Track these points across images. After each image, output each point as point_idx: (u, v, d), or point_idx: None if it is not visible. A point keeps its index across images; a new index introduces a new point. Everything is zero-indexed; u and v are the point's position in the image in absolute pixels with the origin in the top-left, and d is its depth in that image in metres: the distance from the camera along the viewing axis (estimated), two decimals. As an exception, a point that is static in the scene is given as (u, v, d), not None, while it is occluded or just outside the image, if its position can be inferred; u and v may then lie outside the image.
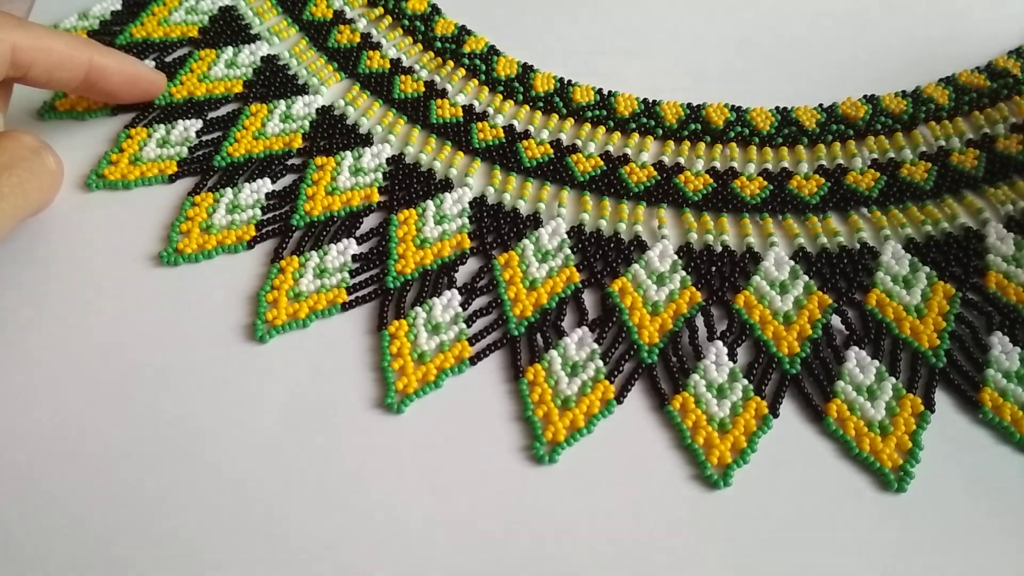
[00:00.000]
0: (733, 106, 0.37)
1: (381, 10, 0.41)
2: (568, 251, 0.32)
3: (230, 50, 0.39)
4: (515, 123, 0.36)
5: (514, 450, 0.27)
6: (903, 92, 0.37)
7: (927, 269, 0.31)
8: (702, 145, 0.36)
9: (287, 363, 0.29)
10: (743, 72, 0.39)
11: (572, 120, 0.37)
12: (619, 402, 0.28)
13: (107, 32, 0.39)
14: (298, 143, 0.35)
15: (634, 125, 0.36)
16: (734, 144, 0.36)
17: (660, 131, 0.36)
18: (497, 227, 0.33)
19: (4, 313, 0.30)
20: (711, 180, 0.34)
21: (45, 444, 0.27)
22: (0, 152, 0.29)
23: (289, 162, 0.35)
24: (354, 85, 0.38)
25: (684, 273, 0.31)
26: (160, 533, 0.25)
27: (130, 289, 0.31)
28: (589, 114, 0.37)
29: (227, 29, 0.40)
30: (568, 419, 0.28)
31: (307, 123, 0.36)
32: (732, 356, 0.29)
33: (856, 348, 0.29)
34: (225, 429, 0.28)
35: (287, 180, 0.35)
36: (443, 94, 0.38)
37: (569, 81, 0.38)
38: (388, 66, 0.39)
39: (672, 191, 0.34)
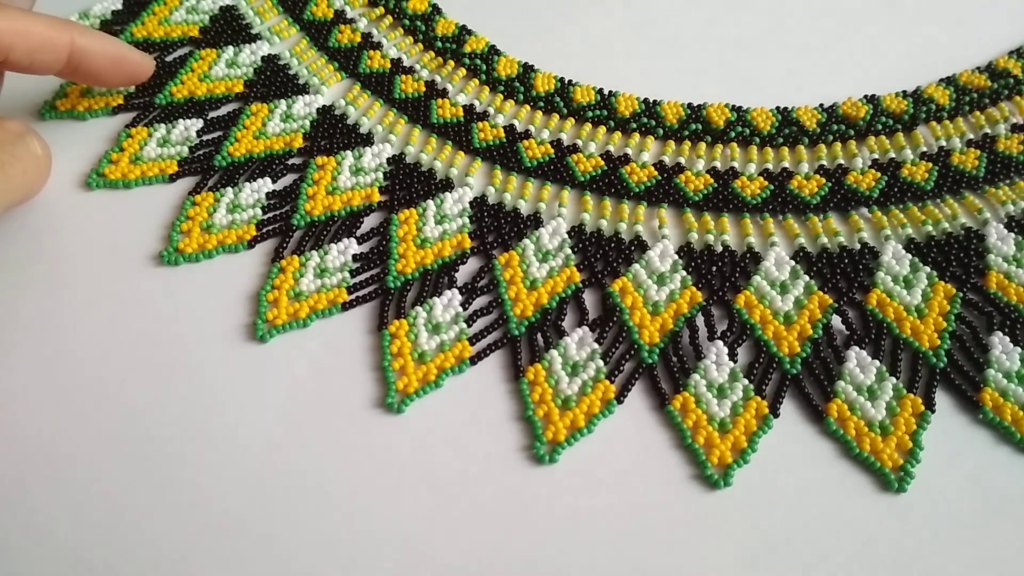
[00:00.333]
0: (734, 106, 0.37)
1: (382, 10, 0.41)
2: (568, 251, 0.32)
3: (231, 50, 0.39)
4: (516, 123, 0.36)
5: (514, 450, 0.27)
6: (903, 92, 0.37)
7: (928, 269, 0.31)
8: (703, 145, 0.36)
9: (287, 363, 0.29)
10: (743, 72, 0.39)
11: (573, 120, 0.37)
12: (619, 402, 0.28)
13: (107, 31, 0.39)
14: (299, 143, 0.35)
15: (635, 125, 0.36)
16: (735, 144, 0.36)
17: (661, 131, 0.36)
18: (498, 227, 0.33)
19: (3, 312, 0.30)
20: (712, 180, 0.34)
21: (44, 443, 0.27)
22: None
23: (290, 162, 0.35)
24: (355, 85, 0.38)
25: (684, 273, 0.31)
26: (159, 533, 0.26)
27: (130, 289, 0.31)
28: (590, 114, 0.37)
29: (228, 29, 0.40)
30: (568, 419, 0.28)
31: (308, 123, 0.36)
32: (732, 356, 0.29)
33: (856, 348, 0.29)
34: (225, 429, 0.28)
35: (288, 180, 0.35)
36: (444, 94, 0.38)
37: (570, 81, 0.38)
38: (389, 66, 0.39)
39: (673, 191, 0.34)
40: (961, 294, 0.31)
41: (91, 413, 0.28)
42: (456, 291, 0.31)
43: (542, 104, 0.37)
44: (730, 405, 0.28)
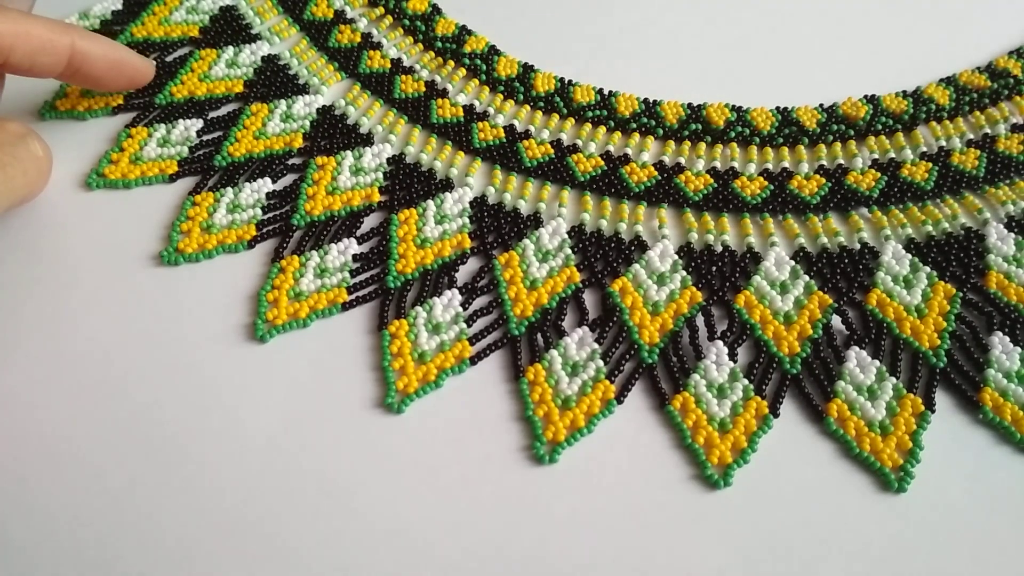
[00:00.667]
0: (733, 106, 0.37)
1: (382, 10, 0.41)
2: (568, 251, 0.32)
3: (231, 50, 0.39)
4: (516, 123, 0.36)
5: (514, 450, 0.27)
6: (903, 92, 0.38)
7: (927, 269, 0.31)
8: (703, 145, 0.36)
9: (287, 363, 0.29)
10: (743, 72, 0.39)
11: (573, 120, 0.37)
12: (619, 402, 0.28)
13: (108, 32, 0.39)
14: (299, 143, 0.35)
15: (635, 125, 0.36)
16: (735, 144, 0.36)
17: (661, 131, 0.36)
18: (498, 227, 0.33)
19: (3, 312, 0.30)
20: (712, 180, 0.34)
21: (45, 444, 0.27)
22: None
23: (290, 162, 0.35)
24: (355, 85, 0.38)
25: (684, 273, 0.31)
26: (160, 533, 0.26)
27: (130, 289, 0.31)
28: (590, 114, 0.37)
29: (228, 29, 0.40)
30: (568, 419, 0.28)
31: (308, 123, 0.36)
32: (732, 356, 0.29)
33: (856, 348, 0.29)
34: (225, 429, 0.28)
35: (288, 180, 0.35)
36: (444, 94, 0.38)
37: (570, 81, 0.38)
38: (389, 66, 0.39)
39: (673, 191, 0.34)
40: (961, 294, 0.31)
41: (91, 413, 0.28)
42: (456, 291, 0.31)
43: (542, 104, 0.37)
44: (730, 405, 0.28)
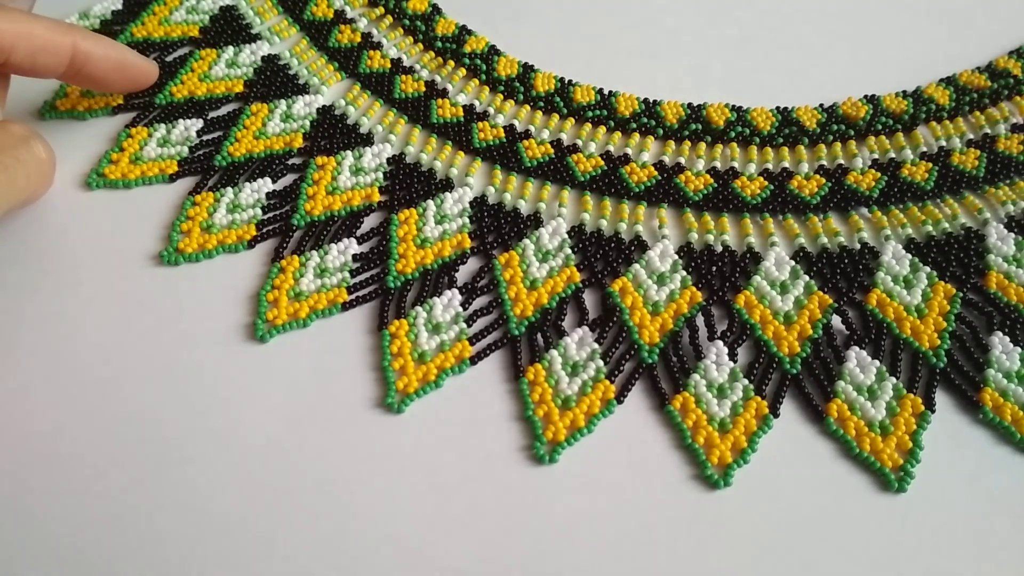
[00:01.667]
0: (734, 106, 0.37)
1: (382, 10, 0.41)
2: (568, 251, 0.32)
3: (231, 50, 0.39)
4: (516, 123, 0.36)
5: (514, 450, 0.27)
6: (903, 92, 0.37)
7: (928, 269, 0.31)
8: (703, 145, 0.36)
9: (287, 363, 0.29)
10: (743, 72, 0.39)
11: (573, 120, 0.37)
12: (619, 402, 0.28)
13: (108, 31, 0.39)
14: (299, 143, 0.35)
15: (635, 125, 0.36)
16: (735, 144, 0.36)
17: (661, 131, 0.36)
18: (498, 227, 0.33)
19: (3, 312, 0.30)
20: (712, 180, 0.34)
21: (45, 443, 0.27)
22: None
23: (290, 162, 0.35)
24: (355, 85, 0.38)
25: (684, 273, 0.31)
26: (159, 533, 0.26)
27: (130, 289, 0.31)
28: (590, 114, 0.37)
29: (228, 29, 0.40)
30: (568, 419, 0.28)
31: (308, 123, 0.36)
32: (732, 356, 0.29)
33: (856, 348, 0.29)
34: (225, 429, 0.28)
35: (288, 180, 0.35)
36: (444, 94, 0.38)
37: (570, 81, 0.38)
38: (389, 66, 0.39)
39: (673, 191, 0.34)
40: (961, 294, 0.31)
41: (91, 413, 0.28)
42: (456, 291, 0.31)
43: (542, 104, 0.37)
44: (730, 405, 0.28)
